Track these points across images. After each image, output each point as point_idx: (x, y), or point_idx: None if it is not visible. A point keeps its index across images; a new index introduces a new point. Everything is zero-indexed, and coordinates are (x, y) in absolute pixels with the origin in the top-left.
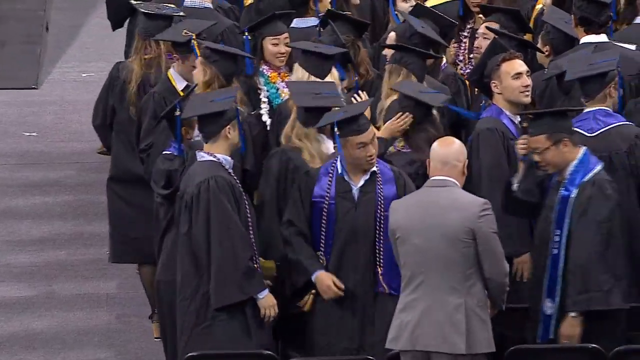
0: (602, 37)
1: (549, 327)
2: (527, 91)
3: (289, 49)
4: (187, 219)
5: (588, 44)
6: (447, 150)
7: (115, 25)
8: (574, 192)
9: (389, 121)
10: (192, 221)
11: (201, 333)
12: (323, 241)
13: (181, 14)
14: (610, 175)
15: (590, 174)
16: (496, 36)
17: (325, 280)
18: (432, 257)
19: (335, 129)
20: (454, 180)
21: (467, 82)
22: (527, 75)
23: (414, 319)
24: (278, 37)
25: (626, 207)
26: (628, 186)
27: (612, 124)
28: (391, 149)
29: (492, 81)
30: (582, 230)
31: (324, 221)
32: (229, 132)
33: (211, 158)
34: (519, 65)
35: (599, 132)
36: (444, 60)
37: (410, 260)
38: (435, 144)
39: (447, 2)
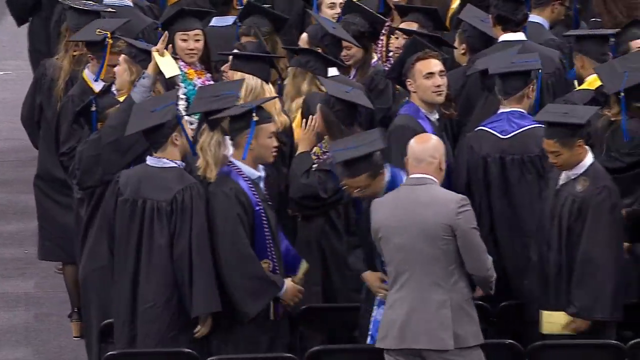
0: (520, 35)
1: None
2: (440, 91)
3: (198, 46)
4: (166, 227)
5: (506, 42)
6: (422, 147)
7: (21, 21)
8: None
9: (302, 132)
10: (178, 229)
11: (173, 339)
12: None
13: (109, 10)
14: (523, 178)
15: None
16: (415, 34)
17: (291, 290)
18: (414, 255)
19: (254, 115)
20: (430, 177)
21: None
22: (441, 75)
23: (400, 317)
24: (187, 33)
25: (537, 211)
26: (540, 189)
27: (525, 126)
28: (316, 149)
29: (408, 79)
30: None
31: (265, 226)
32: (176, 139)
33: (173, 164)
34: (433, 64)
35: (512, 134)
36: (374, 57)
37: (394, 258)
38: (411, 142)
39: None
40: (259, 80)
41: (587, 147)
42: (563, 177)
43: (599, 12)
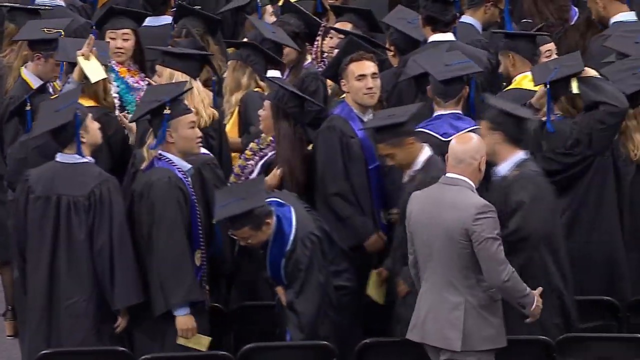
0: (449, 36)
1: None
2: (371, 93)
3: (126, 45)
4: (85, 221)
5: (435, 42)
6: (464, 147)
7: None
8: None
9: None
10: (97, 223)
11: (98, 334)
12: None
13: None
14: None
15: None
16: (352, 34)
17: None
18: (435, 253)
19: (167, 108)
20: (466, 178)
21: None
22: (373, 77)
23: (423, 313)
24: (115, 31)
25: None
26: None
27: (464, 128)
28: (253, 145)
29: (342, 80)
30: None
31: (198, 216)
32: (83, 137)
33: (84, 160)
34: (366, 67)
35: (453, 136)
36: (308, 58)
37: (421, 253)
38: (453, 141)
39: None
40: (187, 77)
41: (421, 143)
42: (405, 177)
43: (530, 13)
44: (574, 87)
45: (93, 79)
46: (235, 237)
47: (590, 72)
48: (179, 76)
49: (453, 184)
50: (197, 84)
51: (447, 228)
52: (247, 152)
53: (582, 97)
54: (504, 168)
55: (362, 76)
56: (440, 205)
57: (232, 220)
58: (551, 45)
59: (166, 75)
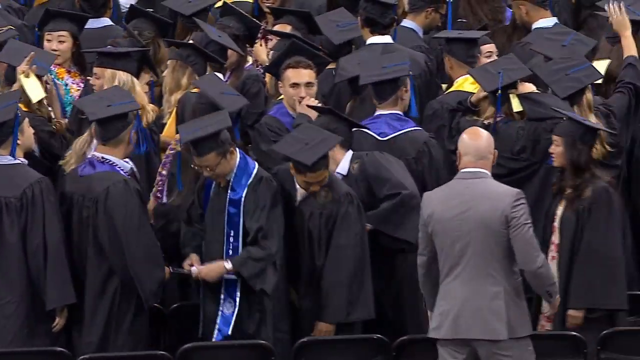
0: (387, 38)
1: None
2: (302, 102)
3: (62, 47)
4: (16, 222)
5: (374, 44)
6: (480, 142)
7: None
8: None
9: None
10: (30, 224)
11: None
12: None
13: None
14: None
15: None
16: (293, 37)
17: None
18: (469, 247)
19: None
20: (486, 171)
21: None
22: (307, 86)
23: (454, 308)
24: (52, 33)
25: None
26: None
27: (403, 129)
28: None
29: (279, 81)
30: None
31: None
32: (19, 138)
33: (17, 161)
34: (301, 75)
35: (390, 136)
36: (249, 60)
37: (447, 250)
38: (465, 137)
39: (241, 1)
40: (130, 75)
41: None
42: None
43: (465, 14)
44: (515, 104)
45: (33, 99)
46: (200, 170)
47: (528, 87)
48: (122, 75)
49: (476, 177)
50: (137, 82)
51: (484, 218)
52: (167, 150)
53: (526, 112)
54: None
55: (295, 84)
56: (470, 198)
57: (199, 144)
58: (491, 47)
59: (108, 76)
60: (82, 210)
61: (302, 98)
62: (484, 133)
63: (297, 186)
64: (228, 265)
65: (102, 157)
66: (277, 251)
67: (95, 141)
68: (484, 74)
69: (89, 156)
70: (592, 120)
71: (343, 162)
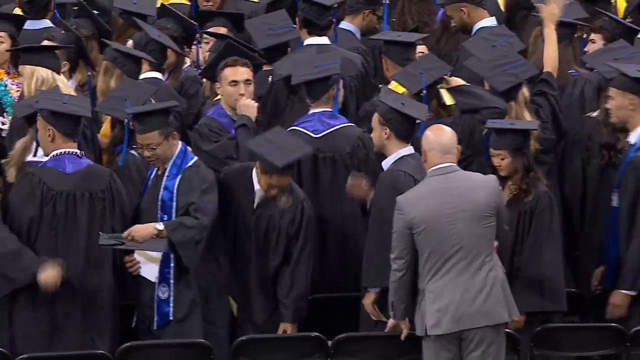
0: (324, 40)
1: None
2: (242, 99)
3: (0, 48)
4: None
5: (310, 45)
6: (444, 137)
7: None
8: None
9: None
10: None
11: None
12: None
13: None
14: (334, 176)
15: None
16: (230, 38)
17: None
18: (463, 239)
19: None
20: (455, 164)
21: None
22: (246, 84)
23: (454, 302)
24: None
25: (345, 207)
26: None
27: (336, 125)
28: None
29: (216, 82)
30: None
31: None
32: None
33: None
34: (239, 73)
35: (324, 133)
36: (187, 61)
37: (437, 248)
38: (429, 133)
39: (179, 3)
40: (50, 72)
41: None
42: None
43: (397, 14)
44: (447, 98)
45: None
46: (141, 150)
47: (457, 80)
48: (41, 72)
49: (449, 171)
50: (61, 78)
51: (478, 208)
52: None
53: (457, 105)
54: (387, 163)
55: (234, 82)
56: (456, 192)
57: (143, 119)
58: (423, 48)
59: (27, 73)
60: (95, 204)
61: (242, 95)
62: (447, 128)
63: (256, 188)
64: (160, 226)
65: (80, 153)
66: (208, 227)
67: (34, 143)
68: (408, 76)
69: (57, 153)
70: (527, 116)
71: None
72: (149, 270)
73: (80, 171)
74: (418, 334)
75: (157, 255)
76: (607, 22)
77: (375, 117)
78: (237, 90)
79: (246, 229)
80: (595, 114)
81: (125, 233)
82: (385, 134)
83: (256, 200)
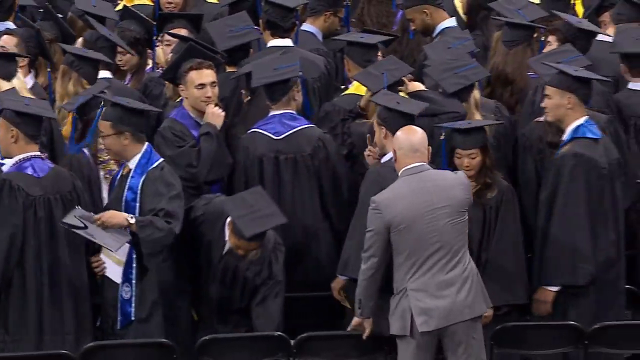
0: (287, 41)
1: None
2: (210, 102)
3: None
4: None
5: (273, 47)
6: (414, 137)
7: None
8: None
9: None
10: None
11: None
12: None
13: None
14: (296, 177)
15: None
16: (191, 40)
17: None
18: (442, 236)
19: None
20: (426, 163)
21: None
22: (212, 86)
23: (441, 298)
24: None
25: (307, 207)
26: (311, 187)
27: (297, 127)
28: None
29: (180, 84)
30: None
31: None
32: None
33: None
34: (205, 76)
35: (285, 135)
36: (149, 63)
37: (417, 246)
38: (399, 134)
39: (141, 4)
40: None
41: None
42: None
43: (357, 15)
44: None
45: None
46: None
47: (417, 85)
48: None
49: (422, 170)
50: (17, 82)
51: (456, 204)
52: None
53: None
54: (384, 160)
55: (202, 85)
56: (433, 190)
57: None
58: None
59: None
60: (66, 206)
61: (209, 98)
62: (418, 129)
63: (226, 238)
64: (132, 219)
65: (44, 155)
66: (176, 234)
67: None
68: (369, 76)
69: (24, 157)
70: (478, 117)
71: None
72: (114, 271)
73: (49, 174)
74: (395, 333)
75: (122, 257)
76: (562, 24)
77: (374, 120)
78: (204, 93)
79: (214, 272)
80: (542, 118)
81: (98, 215)
82: (383, 134)
83: (225, 248)
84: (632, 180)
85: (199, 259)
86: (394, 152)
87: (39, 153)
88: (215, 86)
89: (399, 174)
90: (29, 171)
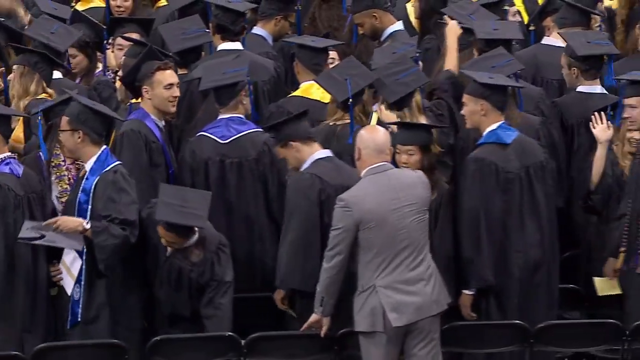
0: (237, 45)
1: None
2: (175, 102)
3: None
4: None
5: (223, 50)
6: (378, 136)
7: None
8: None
9: None
10: None
11: None
12: None
13: None
14: (241, 182)
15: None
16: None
17: None
18: (410, 233)
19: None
20: (389, 163)
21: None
22: (177, 86)
23: (411, 293)
24: None
25: (251, 211)
26: (256, 191)
27: (243, 131)
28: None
29: (144, 86)
30: None
31: None
32: None
33: None
34: (171, 76)
35: (231, 139)
36: (99, 66)
37: (386, 243)
38: (362, 132)
39: (92, 8)
40: None
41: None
42: None
43: (308, 19)
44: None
45: None
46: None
47: (390, 117)
48: None
49: (387, 169)
50: None
51: (419, 202)
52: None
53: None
54: (305, 164)
55: (170, 85)
56: (399, 188)
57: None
58: (334, 54)
59: None
60: (39, 205)
61: (175, 98)
62: (381, 128)
63: None
64: (87, 225)
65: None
66: (132, 241)
67: None
68: (332, 82)
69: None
70: (423, 121)
71: None
72: (68, 283)
73: (24, 174)
74: (364, 330)
75: (75, 272)
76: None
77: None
78: (172, 92)
79: (160, 274)
80: None
81: (53, 220)
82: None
83: (169, 250)
84: (579, 180)
85: (147, 262)
86: (358, 150)
87: (10, 154)
88: (178, 87)
89: (363, 173)
90: (8, 171)
